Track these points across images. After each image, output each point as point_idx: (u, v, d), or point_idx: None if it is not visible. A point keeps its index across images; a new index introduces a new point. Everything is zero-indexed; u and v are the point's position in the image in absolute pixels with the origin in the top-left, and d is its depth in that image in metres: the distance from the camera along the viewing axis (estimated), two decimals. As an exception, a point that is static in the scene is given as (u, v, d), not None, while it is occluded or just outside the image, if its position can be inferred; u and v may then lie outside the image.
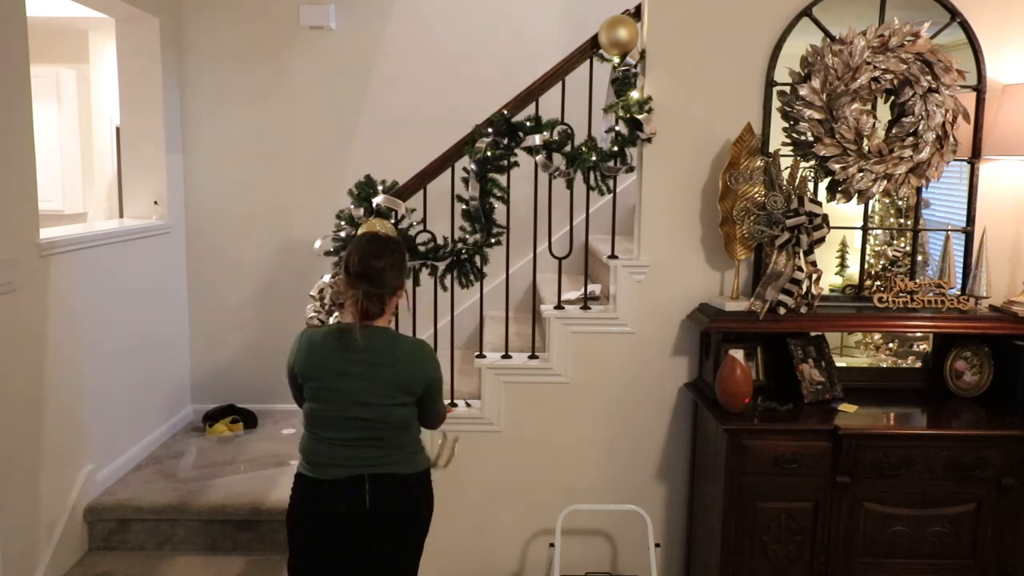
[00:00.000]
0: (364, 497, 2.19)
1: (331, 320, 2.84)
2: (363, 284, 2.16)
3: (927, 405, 2.98)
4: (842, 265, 3.21)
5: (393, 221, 2.92)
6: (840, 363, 3.06)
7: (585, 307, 3.12)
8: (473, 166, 2.95)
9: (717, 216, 2.93)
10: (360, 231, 2.82)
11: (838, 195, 2.89)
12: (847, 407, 2.82)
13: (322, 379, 2.19)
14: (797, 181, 2.83)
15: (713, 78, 2.96)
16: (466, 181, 2.97)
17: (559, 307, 3.12)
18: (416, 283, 3.05)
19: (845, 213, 3.01)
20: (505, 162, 2.98)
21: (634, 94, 2.93)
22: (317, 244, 3.03)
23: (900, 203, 3.10)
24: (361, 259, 2.17)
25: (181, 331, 4.42)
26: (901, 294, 2.91)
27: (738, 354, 2.73)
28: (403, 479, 2.24)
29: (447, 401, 3.16)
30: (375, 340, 2.19)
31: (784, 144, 2.91)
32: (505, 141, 2.96)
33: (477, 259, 3.00)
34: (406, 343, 2.26)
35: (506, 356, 3.15)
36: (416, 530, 2.31)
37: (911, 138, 2.83)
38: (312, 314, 2.85)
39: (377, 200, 2.89)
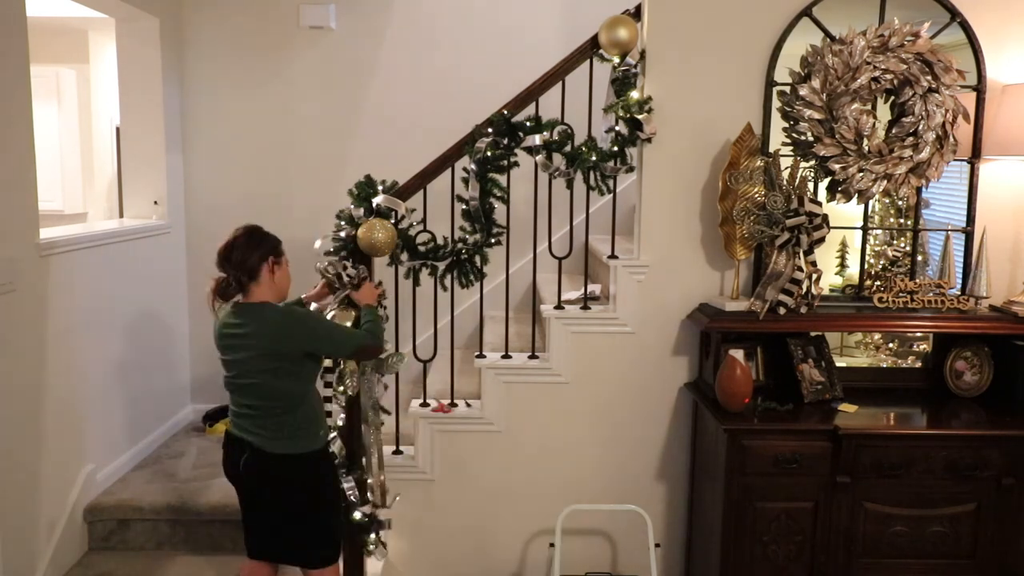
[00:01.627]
0: (240, 460, 2.48)
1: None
2: (220, 268, 2.46)
3: (927, 405, 2.98)
4: (842, 265, 3.21)
5: (393, 221, 2.92)
6: (840, 363, 3.06)
7: (585, 307, 3.12)
8: (473, 166, 2.95)
9: (717, 216, 2.93)
10: (360, 231, 2.82)
11: (838, 195, 2.89)
12: (847, 407, 2.82)
13: (220, 351, 2.50)
14: (797, 181, 2.83)
15: (713, 78, 2.96)
16: (466, 181, 2.97)
17: (559, 307, 3.12)
18: (416, 283, 3.05)
19: (845, 213, 3.01)
20: (505, 162, 2.98)
21: (634, 94, 2.93)
22: (317, 244, 3.02)
23: (900, 203, 3.10)
24: (220, 249, 2.46)
25: (181, 331, 4.41)
26: (901, 294, 2.91)
27: (738, 354, 2.73)
28: (265, 456, 2.45)
29: (446, 402, 3.17)
30: (245, 314, 2.44)
31: (784, 144, 2.91)
32: (505, 141, 2.96)
33: (477, 259, 3.00)
34: (268, 311, 2.45)
35: (506, 356, 3.15)
36: (281, 504, 2.48)
37: (911, 138, 2.83)
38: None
39: (377, 200, 2.89)
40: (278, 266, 2.51)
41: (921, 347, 3.20)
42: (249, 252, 2.45)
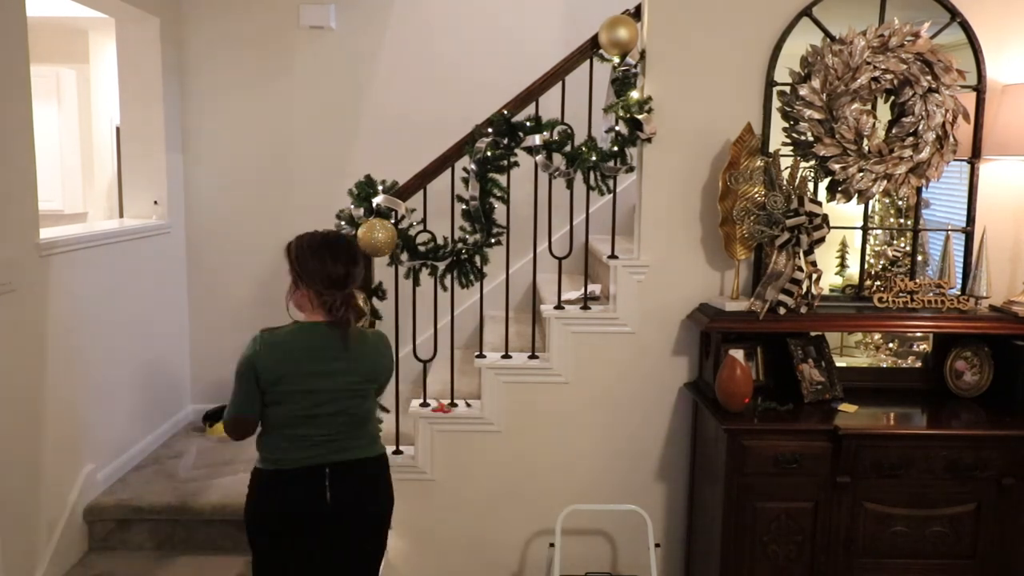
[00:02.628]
0: (325, 488, 2.19)
1: None
2: (333, 291, 2.19)
3: (927, 405, 2.98)
4: (842, 265, 3.21)
5: (393, 221, 2.92)
6: (840, 363, 3.06)
7: (585, 307, 3.12)
8: (473, 166, 2.95)
9: (717, 216, 2.93)
10: (360, 231, 2.82)
11: (838, 195, 2.89)
12: (847, 407, 2.82)
13: (292, 381, 2.17)
14: (797, 181, 2.83)
15: (713, 78, 2.96)
16: (466, 181, 2.97)
17: (559, 307, 3.12)
18: (416, 283, 3.04)
19: (845, 213, 3.01)
20: (505, 162, 2.98)
21: (634, 94, 2.93)
22: (317, 244, 3.02)
23: (900, 203, 3.10)
24: (322, 264, 2.21)
25: (181, 331, 4.41)
26: (901, 294, 2.91)
27: (738, 354, 2.73)
28: (364, 463, 2.27)
29: (446, 402, 3.17)
30: (341, 335, 2.21)
31: (784, 144, 2.91)
32: (505, 141, 2.96)
33: (477, 259, 3.00)
34: (369, 335, 2.32)
35: (506, 356, 3.15)
36: (377, 519, 2.32)
37: (911, 138, 2.84)
38: None
39: (377, 200, 2.89)
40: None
41: (921, 347, 3.20)
42: (361, 270, 2.30)
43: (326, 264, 2.20)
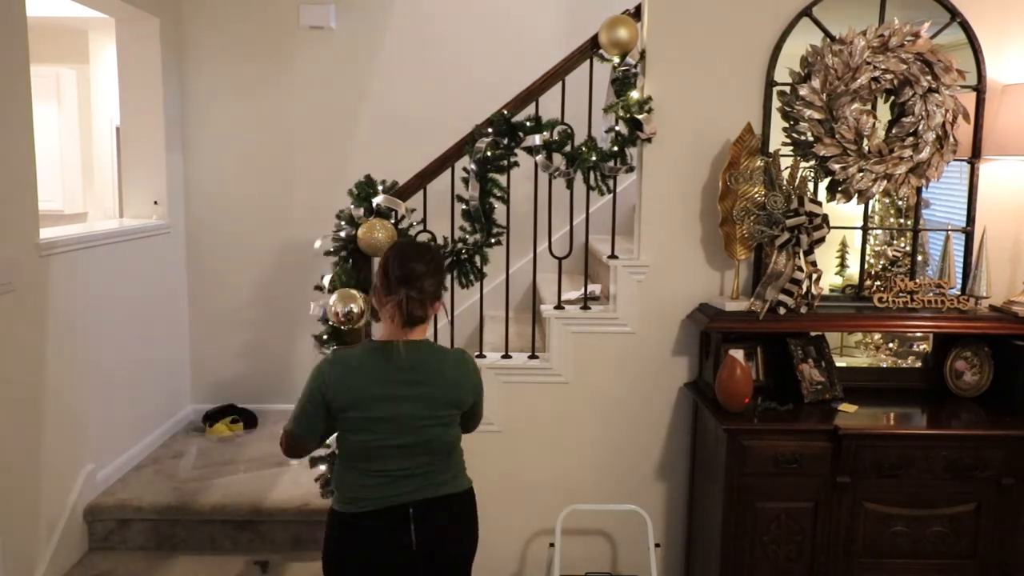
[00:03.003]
0: (409, 529, 2.00)
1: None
2: (404, 288, 1.98)
3: (927, 405, 2.98)
4: (842, 265, 3.21)
5: (393, 221, 2.92)
6: (840, 363, 3.06)
7: (585, 307, 3.12)
8: (473, 166, 2.95)
9: (717, 216, 2.93)
10: (360, 231, 2.83)
11: (838, 195, 2.89)
12: (847, 407, 2.82)
13: (365, 407, 1.97)
14: (797, 181, 2.83)
15: (713, 78, 2.96)
16: (466, 181, 2.97)
17: (559, 307, 3.12)
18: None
19: (845, 213, 3.01)
20: (505, 162, 2.98)
21: (634, 94, 2.93)
22: (317, 244, 3.03)
23: (900, 203, 3.10)
24: (402, 263, 2.01)
25: (181, 331, 4.41)
26: (901, 294, 2.91)
27: (738, 354, 2.73)
28: (449, 499, 2.07)
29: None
30: (420, 355, 2.03)
31: (784, 144, 2.91)
32: (505, 141, 2.96)
33: (477, 259, 3.00)
34: (450, 354, 2.11)
35: (506, 356, 3.15)
36: (465, 555, 2.14)
37: (911, 138, 2.83)
38: (317, 311, 2.84)
39: (377, 200, 2.89)
40: (440, 304, 2.10)
41: (921, 347, 3.20)
42: (438, 279, 2.05)
43: (397, 259, 2.03)
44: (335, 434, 2.08)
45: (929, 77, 2.80)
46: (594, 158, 2.95)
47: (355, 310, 2.71)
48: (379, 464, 2.00)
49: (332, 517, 2.08)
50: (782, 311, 2.82)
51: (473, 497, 2.18)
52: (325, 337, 2.83)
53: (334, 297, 2.72)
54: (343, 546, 2.04)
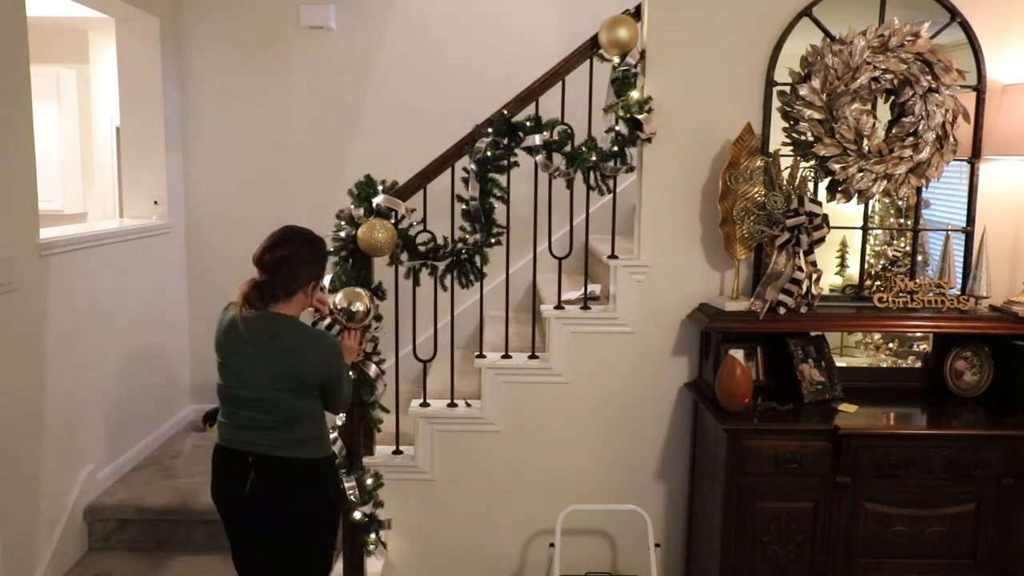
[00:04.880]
0: (249, 473, 2.22)
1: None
2: (259, 272, 2.22)
3: (927, 405, 2.98)
4: (842, 265, 3.21)
5: (393, 221, 2.92)
6: (840, 363, 3.06)
7: (585, 307, 3.12)
8: (473, 166, 2.95)
9: (717, 216, 2.93)
10: (360, 231, 2.83)
11: (838, 195, 2.89)
12: (847, 407, 2.82)
13: (221, 355, 2.29)
14: (797, 181, 2.83)
15: (713, 78, 2.96)
16: (466, 181, 2.97)
17: (559, 307, 3.12)
18: (416, 283, 3.04)
19: (845, 213, 3.01)
20: (505, 162, 2.98)
21: (634, 94, 2.93)
22: (317, 244, 3.02)
23: (900, 203, 3.10)
24: (264, 247, 2.24)
25: (181, 331, 4.41)
26: (901, 294, 2.91)
27: (738, 354, 2.73)
28: (288, 462, 2.24)
29: (447, 401, 3.17)
30: (265, 327, 2.23)
31: (784, 144, 2.91)
32: (505, 141, 2.96)
33: (477, 259, 3.00)
34: (305, 333, 2.28)
35: (506, 356, 3.15)
36: (302, 522, 2.29)
37: (911, 138, 2.83)
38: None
39: (377, 200, 2.89)
40: (315, 291, 2.32)
41: (921, 347, 3.20)
42: (304, 269, 2.25)
43: (264, 242, 2.27)
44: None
45: (929, 77, 2.80)
46: (594, 158, 2.95)
47: (360, 308, 2.71)
48: (232, 407, 2.28)
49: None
50: (782, 311, 2.82)
51: (319, 469, 2.32)
52: None
53: (339, 296, 2.72)
54: (212, 477, 2.34)
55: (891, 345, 3.25)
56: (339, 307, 2.67)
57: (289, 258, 2.21)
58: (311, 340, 2.28)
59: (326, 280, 2.91)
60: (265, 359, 2.22)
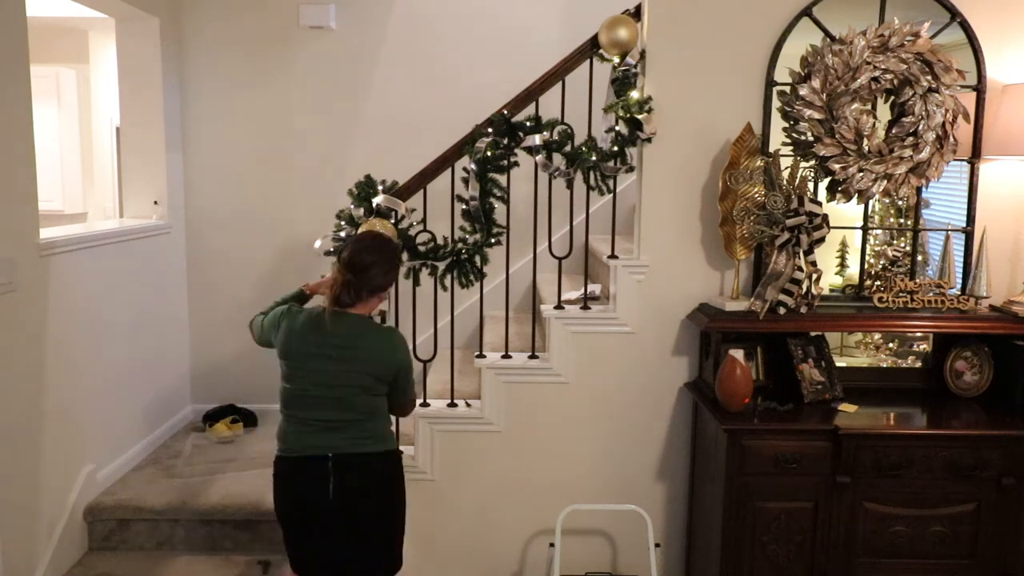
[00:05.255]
0: (329, 477, 2.29)
1: None
2: (347, 273, 2.31)
3: (927, 405, 2.98)
4: (842, 265, 3.21)
5: (393, 221, 2.92)
6: (840, 363, 3.06)
7: (585, 307, 3.12)
8: (473, 166, 2.95)
9: (717, 216, 2.93)
10: (361, 230, 2.82)
11: (838, 195, 2.89)
12: (847, 407, 2.82)
13: (295, 359, 2.34)
14: (797, 181, 2.83)
15: (713, 78, 2.96)
16: (466, 181, 2.97)
17: (559, 307, 3.12)
18: (416, 283, 3.04)
19: (845, 213, 3.01)
20: (505, 162, 2.98)
21: (634, 94, 2.93)
22: (317, 244, 3.03)
23: (900, 203, 3.10)
24: (354, 251, 2.34)
25: (181, 331, 4.41)
26: (901, 294, 2.91)
27: (738, 354, 2.73)
28: (367, 457, 2.35)
29: (447, 401, 3.16)
30: (348, 326, 2.32)
31: (784, 144, 2.91)
32: (505, 141, 2.96)
33: (477, 259, 3.00)
34: (378, 330, 2.41)
35: (506, 356, 3.15)
36: (385, 515, 2.40)
37: (911, 138, 2.83)
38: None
39: (377, 200, 2.89)
40: (383, 296, 2.44)
41: (921, 347, 3.20)
42: (385, 274, 2.37)
43: (352, 246, 2.39)
44: None
45: (929, 77, 2.80)
46: (594, 158, 2.95)
47: None
48: (304, 411, 2.33)
49: (275, 463, 2.41)
50: (782, 311, 2.82)
51: (396, 461, 2.44)
52: None
53: None
54: (279, 488, 2.38)
55: (891, 345, 3.25)
56: None
57: (376, 263, 2.33)
58: (387, 336, 2.42)
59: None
60: (347, 358, 2.31)
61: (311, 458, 2.31)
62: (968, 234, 2.98)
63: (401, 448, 3.13)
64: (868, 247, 3.09)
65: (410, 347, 2.49)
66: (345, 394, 2.31)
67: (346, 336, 2.32)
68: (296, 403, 2.35)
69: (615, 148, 2.95)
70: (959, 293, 2.95)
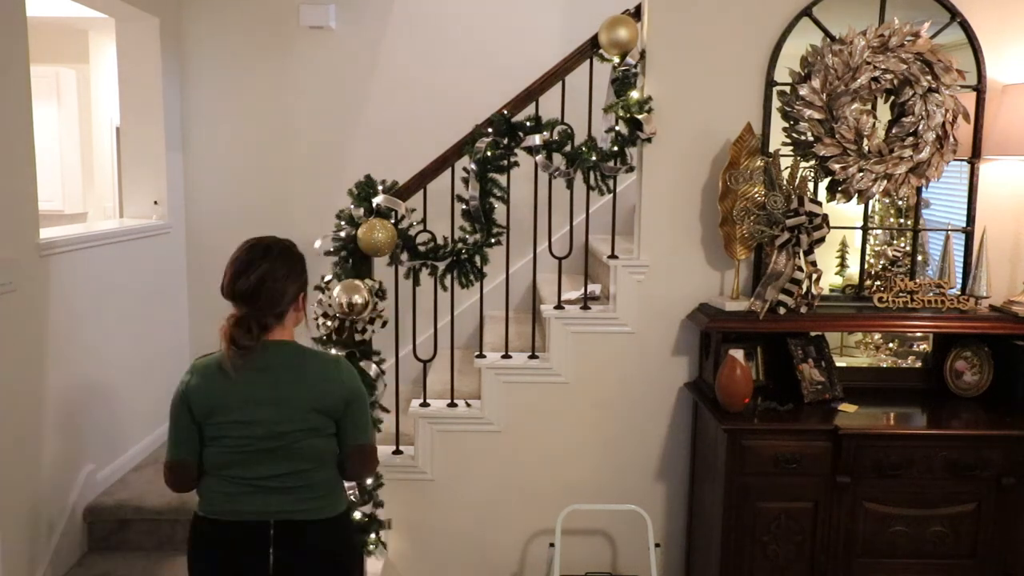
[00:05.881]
0: (268, 550, 1.88)
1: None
2: (238, 306, 1.93)
3: (927, 405, 2.98)
4: (842, 265, 3.21)
5: (393, 221, 2.92)
6: (840, 363, 3.06)
7: (585, 307, 3.12)
8: (473, 166, 2.95)
9: (717, 216, 2.93)
10: (360, 231, 2.83)
11: (838, 195, 2.89)
12: (847, 407, 2.82)
13: (225, 411, 1.88)
14: (797, 181, 2.83)
15: (713, 78, 2.96)
16: (466, 181, 2.97)
17: (559, 307, 3.12)
18: (416, 283, 3.04)
19: (845, 213, 3.01)
20: (505, 162, 2.98)
21: (634, 94, 2.93)
22: (317, 244, 3.02)
23: (900, 203, 3.10)
24: (233, 278, 1.95)
25: (181, 331, 4.41)
26: (901, 294, 2.91)
27: (738, 354, 2.73)
28: (317, 525, 1.93)
29: (447, 401, 3.16)
30: (271, 359, 1.91)
31: (784, 144, 2.91)
32: (505, 141, 2.96)
33: (477, 259, 3.00)
34: (313, 355, 1.99)
35: (506, 356, 3.15)
36: None
37: (911, 138, 2.83)
38: (318, 315, 2.83)
39: (377, 200, 2.89)
40: (304, 301, 2.00)
41: (921, 347, 3.20)
42: (287, 284, 1.93)
43: (229, 269, 1.98)
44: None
45: (929, 77, 2.80)
46: (594, 158, 2.95)
47: (358, 301, 2.72)
48: (241, 470, 1.88)
49: (193, 523, 1.96)
50: (782, 311, 2.82)
51: (348, 524, 2.06)
52: (324, 338, 2.83)
53: (338, 288, 2.73)
54: (201, 557, 1.94)
55: (891, 345, 3.25)
56: (338, 302, 2.69)
57: (265, 278, 1.91)
58: (324, 362, 1.99)
59: (326, 280, 2.90)
60: (279, 399, 1.88)
61: (247, 524, 1.88)
62: (968, 234, 2.98)
63: (401, 448, 3.15)
64: (868, 247, 3.09)
65: (355, 370, 2.06)
66: (286, 442, 1.88)
67: (269, 375, 1.89)
68: (227, 465, 1.89)
69: (615, 148, 2.95)
70: (959, 293, 2.95)
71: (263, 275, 1.92)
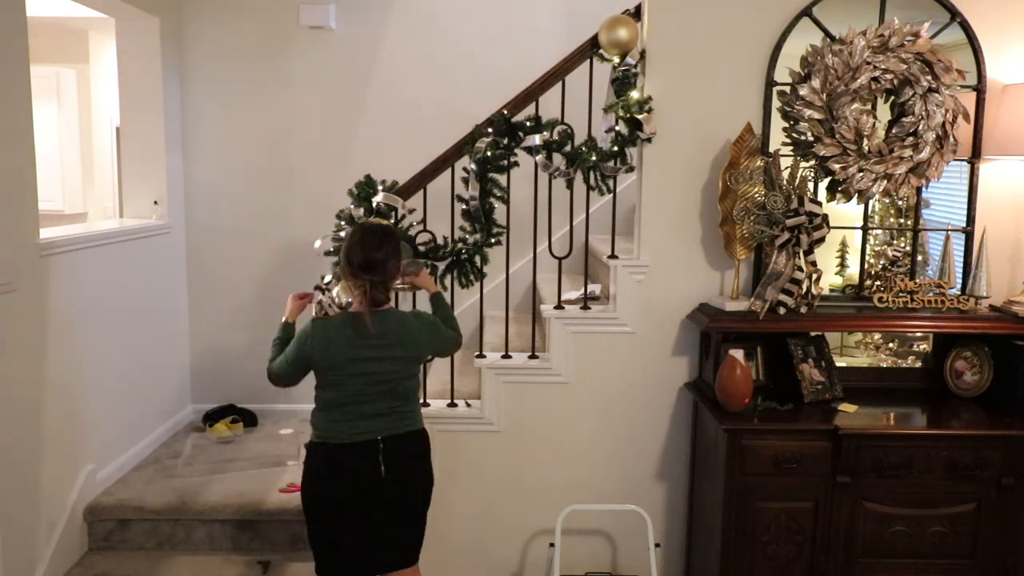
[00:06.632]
0: (379, 458, 2.39)
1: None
2: (367, 275, 2.36)
3: (927, 405, 2.98)
4: (842, 265, 3.21)
5: (393, 220, 2.92)
6: (840, 363, 3.06)
7: (585, 307, 3.12)
8: (473, 166, 2.95)
9: (717, 216, 2.93)
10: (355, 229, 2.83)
11: (838, 195, 2.89)
12: (847, 407, 2.82)
13: (341, 367, 2.38)
14: (797, 181, 2.83)
15: (713, 78, 2.96)
16: (466, 181, 2.97)
17: (559, 307, 3.12)
18: (416, 283, 3.05)
19: (845, 213, 3.01)
20: (505, 162, 2.98)
21: (634, 94, 2.93)
22: (317, 244, 3.03)
23: (900, 203, 3.10)
24: (365, 252, 2.37)
25: (181, 331, 4.41)
26: (901, 294, 2.91)
27: (738, 354, 2.73)
28: (411, 436, 2.48)
29: (447, 401, 3.16)
30: (386, 324, 2.40)
31: (784, 144, 2.91)
32: (505, 141, 2.96)
33: (477, 259, 3.00)
34: (407, 317, 2.49)
35: (506, 356, 3.15)
36: (426, 490, 2.53)
37: (911, 138, 2.83)
38: (321, 302, 2.84)
39: (377, 199, 2.89)
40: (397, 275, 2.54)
41: (921, 347, 3.20)
42: (398, 259, 2.45)
43: (358, 247, 2.40)
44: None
45: (929, 77, 2.80)
46: (594, 158, 2.95)
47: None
48: (355, 407, 2.40)
49: (311, 450, 2.44)
50: (782, 311, 2.82)
51: (428, 438, 2.55)
52: None
53: (338, 288, 2.73)
54: (322, 475, 2.40)
55: (891, 345, 3.25)
56: (339, 302, 2.68)
57: (388, 256, 2.40)
58: (415, 319, 2.51)
59: (326, 280, 2.91)
60: (392, 354, 2.40)
61: (360, 443, 2.39)
62: (968, 234, 2.98)
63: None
64: (868, 247, 3.09)
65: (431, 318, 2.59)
66: (391, 386, 2.42)
67: (386, 333, 2.40)
68: (345, 404, 2.40)
69: (615, 148, 2.95)
70: (959, 293, 2.95)
71: (387, 254, 2.40)
